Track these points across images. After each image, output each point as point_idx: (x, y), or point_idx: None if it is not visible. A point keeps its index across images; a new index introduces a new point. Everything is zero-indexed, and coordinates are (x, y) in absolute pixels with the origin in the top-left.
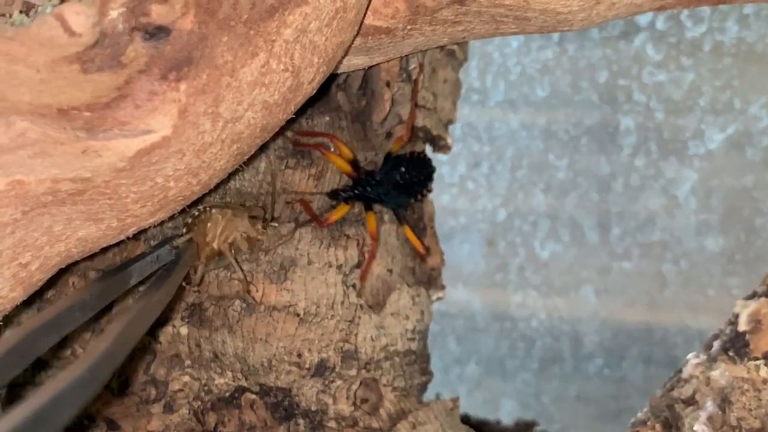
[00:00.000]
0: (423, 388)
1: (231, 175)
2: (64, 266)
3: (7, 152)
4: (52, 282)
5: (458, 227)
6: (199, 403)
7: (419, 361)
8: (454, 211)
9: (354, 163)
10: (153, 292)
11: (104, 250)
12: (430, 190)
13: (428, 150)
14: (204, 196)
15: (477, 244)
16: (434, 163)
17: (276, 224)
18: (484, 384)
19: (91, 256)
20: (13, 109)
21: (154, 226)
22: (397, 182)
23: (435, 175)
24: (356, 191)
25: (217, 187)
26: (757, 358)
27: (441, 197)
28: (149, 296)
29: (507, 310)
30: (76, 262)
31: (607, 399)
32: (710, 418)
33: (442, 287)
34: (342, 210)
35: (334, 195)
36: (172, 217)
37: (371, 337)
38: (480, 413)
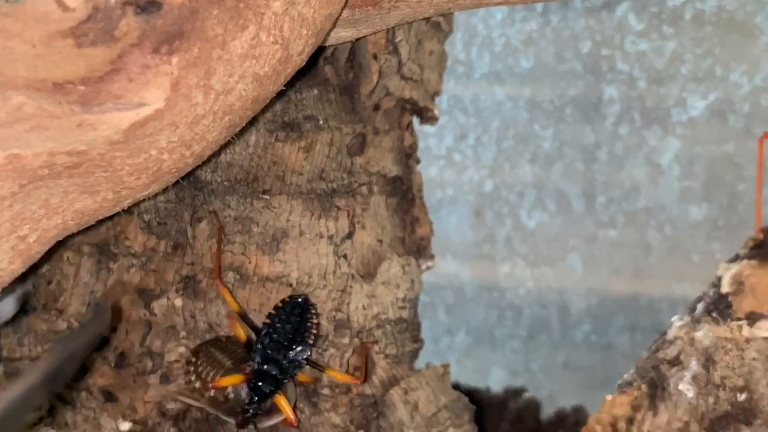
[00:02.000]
0: (414, 355)
1: (222, 149)
2: (61, 238)
3: (4, 126)
4: (47, 257)
5: (446, 199)
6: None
7: (410, 329)
8: (442, 183)
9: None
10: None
11: (98, 225)
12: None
13: (415, 122)
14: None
15: (464, 216)
16: (421, 136)
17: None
18: (473, 353)
19: (86, 231)
20: (10, 84)
21: (148, 199)
22: (281, 343)
23: (420, 151)
24: (254, 394)
25: (209, 159)
26: (739, 319)
27: (428, 170)
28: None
29: (495, 280)
30: (71, 237)
31: (594, 366)
32: (695, 378)
33: (432, 256)
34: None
35: (244, 418)
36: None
37: (363, 305)
38: (470, 381)
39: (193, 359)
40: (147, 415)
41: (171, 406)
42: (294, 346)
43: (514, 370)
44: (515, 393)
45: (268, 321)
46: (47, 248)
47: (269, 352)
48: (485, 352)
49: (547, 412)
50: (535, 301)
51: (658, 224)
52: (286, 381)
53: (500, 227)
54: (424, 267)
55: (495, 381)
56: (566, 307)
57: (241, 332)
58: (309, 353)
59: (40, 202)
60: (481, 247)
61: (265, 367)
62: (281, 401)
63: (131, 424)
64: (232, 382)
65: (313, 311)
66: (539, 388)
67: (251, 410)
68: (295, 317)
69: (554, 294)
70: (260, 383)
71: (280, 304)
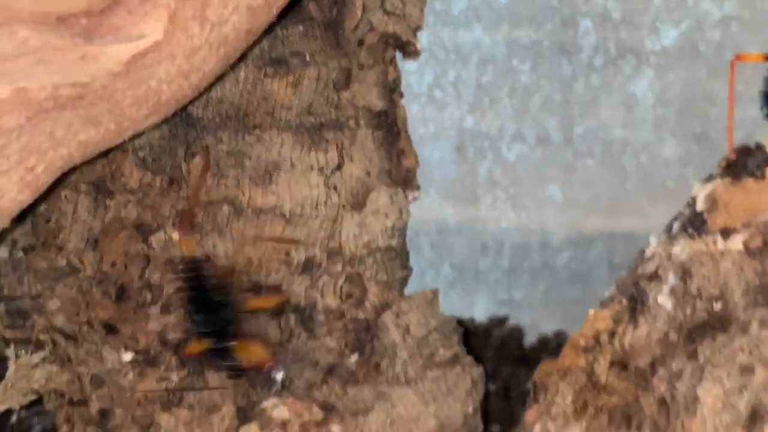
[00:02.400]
0: (404, 282)
1: (212, 85)
2: (66, 170)
3: (11, 60)
4: (45, 196)
5: (427, 135)
6: None
7: (399, 256)
8: (423, 119)
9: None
10: None
11: (94, 163)
12: None
13: (398, 56)
14: None
15: (446, 151)
16: (402, 74)
17: None
18: (457, 285)
19: (82, 169)
20: (15, 18)
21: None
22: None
23: (403, 86)
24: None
25: (201, 96)
26: (714, 234)
27: (410, 107)
28: None
29: (477, 213)
30: (68, 175)
31: (574, 293)
32: (672, 290)
33: (418, 187)
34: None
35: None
36: None
37: (354, 234)
38: (455, 312)
39: None
40: (149, 345)
41: (172, 335)
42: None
43: (497, 300)
44: (499, 322)
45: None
46: (53, 179)
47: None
48: (469, 283)
49: (530, 338)
50: (516, 231)
51: (633, 152)
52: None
53: (481, 161)
54: (410, 198)
55: (479, 311)
56: (546, 238)
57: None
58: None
59: (45, 134)
60: (463, 181)
61: (207, 330)
62: (243, 349)
63: (133, 354)
64: (200, 348)
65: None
66: (522, 317)
67: (227, 364)
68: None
69: (535, 224)
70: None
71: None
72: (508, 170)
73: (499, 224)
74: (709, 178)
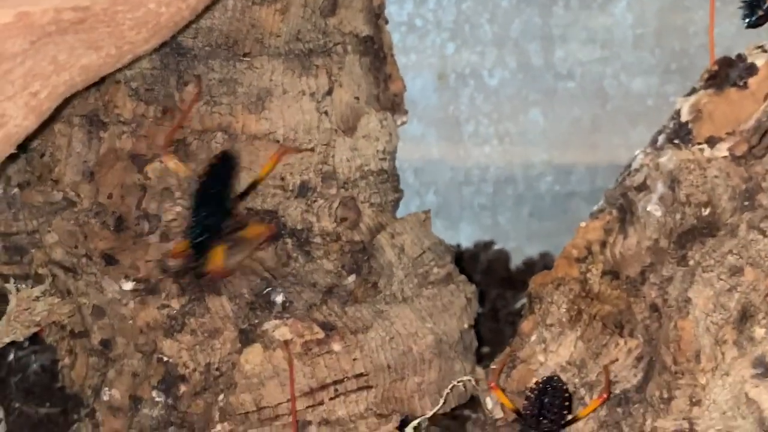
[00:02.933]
0: (396, 205)
1: (202, 13)
2: (68, 95)
3: None
4: (39, 131)
5: (409, 64)
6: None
7: (390, 179)
8: (404, 48)
9: None
10: None
11: (86, 95)
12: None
13: None
14: None
15: (428, 79)
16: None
17: None
18: (442, 212)
19: (74, 103)
20: None
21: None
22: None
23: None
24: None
25: (189, 25)
26: (699, 143)
27: (391, 36)
28: None
29: (460, 139)
30: (60, 108)
31: (558, 214)
32: (661, 198)
33: (405, 112)
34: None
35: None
36: None
37: (347, 158)
38: (441, 239)
39: None
40: (149, 274)
41: (172, 263)
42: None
43: (482, 225)
44: (485, 246)
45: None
46: (56, 105)
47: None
48: (454, 210)
49: (516, 261)
50: (499, 157)
51: (613, 72)
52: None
53: (463, 88)
54: (399, 122)
55: (465, 237)
56: (529, 161)
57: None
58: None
59: (49, 58)
60: (446, 109)
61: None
62: (249, 230)
63: (134, 283)
64: (182, 248)
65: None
66: (507, 239)
67: (192, 263)
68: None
69: (518, 148)
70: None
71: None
72: (490, 96)
73: (482, 150)
74: (692, 92)
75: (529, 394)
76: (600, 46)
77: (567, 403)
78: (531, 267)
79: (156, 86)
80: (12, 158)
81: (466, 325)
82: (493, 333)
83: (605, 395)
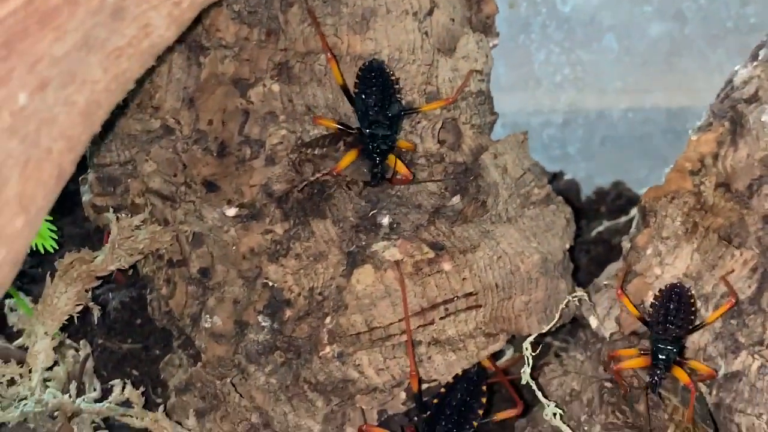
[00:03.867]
0: (492, 126)
1: None
2: (205, 6)
3: None
4: None
5: None
6: (296, 155)
7: (487, 100)
8: None
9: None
10: None
11: None
12: None
13: None
14: None
15: (500, 7)
16: None
17: None
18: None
19: None
20: None
21: None
22: (376, 104)
23: None
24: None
25: None
26: None
27: None
28: None
29: (531, 69)
30: None
31: (632, 140)
32: None
33: (497, 34)
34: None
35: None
36: None
37: (449, 78)
38: None
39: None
40: (254, 198)
41: (276, 186)
42: (387, 105)
43: (551, 156)
44: (555, 177)
45: (356, 90)
46: (194, 16)
47: (370, 114)
48: None
49: (587, 191)
50: (571, 86)
51: None
52: (396, 137)
53: (535, 16)
54: (491, 44)
55: None
56: (603, 88)
57: (331, 123)
58: (401, 107)
59: None
60: (516, 38)
61: (373, 128)
62: (395, 160)
63: (237, 208)
64: (349, 160)
65: (388, 69)
66: (577, 169)
67: (378, 170)
68: (377, 79)
69: (591, 77)
70: (374, 144)
71: (359, 72)
72: (562, 23)
73: (553, 79)
74: None
75: (654, 301)
76: None
77: (693, 309)
78: (603, 196)
79: (259, 8)
80: None
81: (567, 245)
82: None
83: (733, 300)
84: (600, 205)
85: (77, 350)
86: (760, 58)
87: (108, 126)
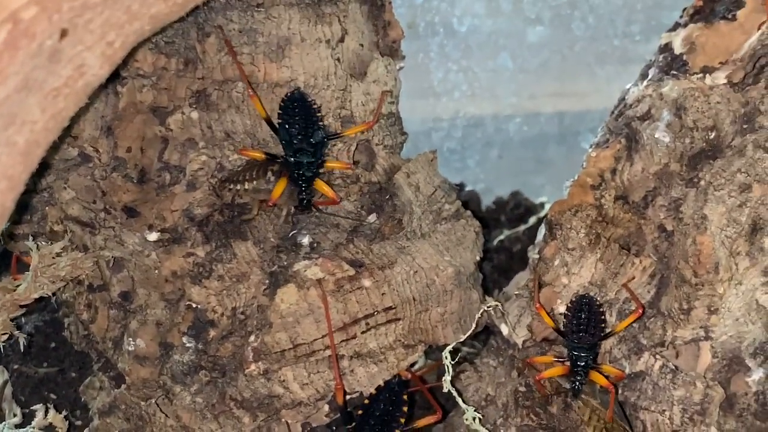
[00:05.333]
0: (402, 146)
1: None
2: (135, 45)
3: None
4: None
5: None
6: (216, 179)
7: (397, 122)
8: None
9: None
10: None
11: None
12: None
13: None
14: None
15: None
16: None
17: None
18: (412, 156)
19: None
20: None
21: None
22: (300, 133)
23: None
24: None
25: None
26: (696, 73)
27: None
28: None
29: (430, 86)
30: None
31: (527, 151)
32: (669, 125)
33: (403, 57)
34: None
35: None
36: None
37: (361, 102)
38: None
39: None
40: (176, 223)
41: (198, 211)
42: (310, 133)
43: (452, 168)
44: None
45: (280, 121)
46: (125, 55)
47: (294, 142)
48: None
49: (487, 202)
50: (469, 102)
51: (581, 15)
52: (321, 162)
53: (433, 36)
54: (397, 67)
55: None
56: (499, 104)
57: (258, 153)
58: (325, 134)
59: (124, 8)
60: (416, 57)
61: (297, 156)
62: (321, 185)
63: (159, 233)
64: (281, 188)
65: (309, 98)
66: (476, 181)
67: (304, 195)
68: (300, 109)
69: (487, 93)
70: (300, 171)
71: (282, 103)
72: (459, 43)
73: (452, 96)
74: (675, 27)
75: (567, 312)
76: None
77: (602, 317)
78: (502, 206)
79: (176, 39)
80: None
81: (477, 257)
82: None
83: (640, 310)
84: (500, 214)
85: None
86: (649, 77)
87: None
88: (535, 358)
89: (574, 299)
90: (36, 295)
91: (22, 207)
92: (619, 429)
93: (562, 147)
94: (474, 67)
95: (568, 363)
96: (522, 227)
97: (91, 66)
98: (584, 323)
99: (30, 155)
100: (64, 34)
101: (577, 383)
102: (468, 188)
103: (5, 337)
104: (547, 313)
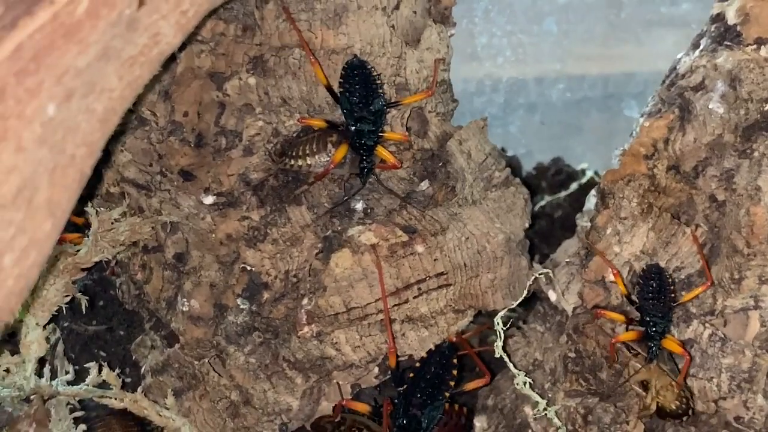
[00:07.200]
0: (452, 114)
1: None
2: (207, 14)
3: None
4: None
5: None
6: (272, 144)
7: (449, 89)
8: None
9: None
10: None
11: None
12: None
13: None
14: None
15: None
16: None
17: None
18: (454, 122)
19: None
20: None
21: None
22: (360, 101)
23: None
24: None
25: None
26: (749, 44)
27: None
28: None
29: (474, 51)
30: None
31: (569, 119)
32: (723, 96)
33: (454, 24)
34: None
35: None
36: None
37: (415, 70)
38: None
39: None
40: (232, 187)
41: (254, 175)
42: (371, 101)
43: (493, 134)
44: None
45: (341, 89)
46: (197, 23)
47: (355, 111)
48: (464, 120)
49: (527, 167)
50: (512, 67)
51: None
52: (382, 131)
53: (479, 1)
54: (448, 34)
55: None
56: (542, 69)
57: (318, 122)
58: (384, 101)
59: None
60: (460, 22)
61: (359, 125)
62: (381, 151)
63: (215, 197)
64: (341, 154)
65: (370, 66)
66: (518, 146)
67: (365, 164)
68: (360, 77)
69: (531, 59)
70: (362, 140)
71: (343, 71)
72: (505, 8)
73: (495, 61)
74: None
75: (639, 280)
76: None
77: (672, 286)
78: (543, 172)
79: (235, 4)
80: None
81: (526, 224)
82: None
83: (709, 282)
84: (540, 180)
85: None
86: (701, 47)
87: None
88: (606, 312)
89: (644, 268)
90: (96, 259)
91: None
92: (686, 395)
93: (604, 114)
94: (518, 33)
95: (640, 329)
96: (563, 193)
97: (166, 35)
98: (655, 291)
99: (107, 122)
100: (141, 3)
101: (654, 348)
102: (509, 154)
103: (68, 299)
104: (599, 281)
